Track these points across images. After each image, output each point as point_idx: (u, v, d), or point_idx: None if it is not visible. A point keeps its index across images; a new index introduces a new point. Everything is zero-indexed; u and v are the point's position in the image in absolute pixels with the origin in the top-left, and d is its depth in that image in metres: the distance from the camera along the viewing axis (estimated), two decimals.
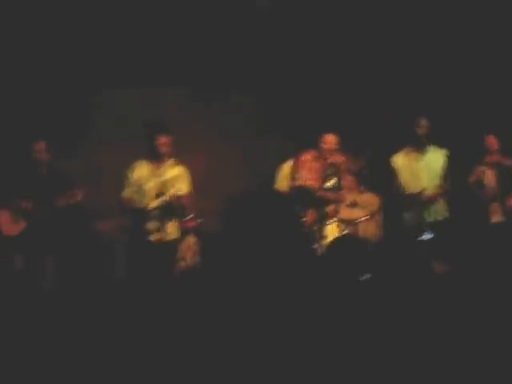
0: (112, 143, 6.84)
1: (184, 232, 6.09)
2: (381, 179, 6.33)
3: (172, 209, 5.86)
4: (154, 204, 5.86)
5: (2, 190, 5.83)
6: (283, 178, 6.27)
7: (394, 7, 6.99)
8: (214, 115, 7.17)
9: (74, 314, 5.44)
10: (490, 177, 6.41)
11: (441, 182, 6.35)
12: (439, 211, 6.33)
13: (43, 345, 4.80)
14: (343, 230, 5.98)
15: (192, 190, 6.09)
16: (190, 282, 5.91)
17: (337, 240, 5.98)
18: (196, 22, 6.94)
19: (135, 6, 6.71)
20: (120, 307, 5.56)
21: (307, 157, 6.26)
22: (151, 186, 5.89)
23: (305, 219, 6.05)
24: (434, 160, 6.39)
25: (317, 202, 6.07)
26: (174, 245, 5.97)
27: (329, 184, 6.16)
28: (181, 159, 6.11)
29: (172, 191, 5.84)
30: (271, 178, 6.38)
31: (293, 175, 6.22)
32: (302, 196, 6.09)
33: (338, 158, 6.28)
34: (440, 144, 6.40)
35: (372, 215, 6.11)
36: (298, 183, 6.16)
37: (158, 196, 5.78)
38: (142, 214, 5.88)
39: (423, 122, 6.33)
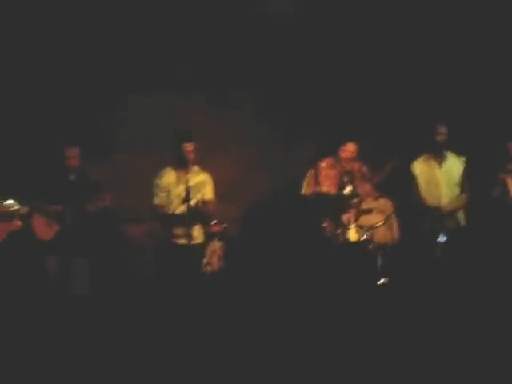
0: (139, 150, 6.98)
1: (209, 236, 6.26)
2: (397, 185, 6.39)
3: (198, 214, 6.04)
4: (180, 209, 6.08)
5: (36, 195, 5.97)
6: (306, 185, 6.44)
7: (412, 13, 7.08)
8: (237, 122, 7.26)
9: (104, 315, 5.59)
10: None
11: (459, 189, 6.42)
12: (457, 220, 6.41)
13: (74, 345, 4.95)
14: (363, 236, 6.06)
15: (216, 196, 6.30)
16: (214, 286, 6.05)
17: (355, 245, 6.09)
18: (218, 32, 7.09)
19: (161, 16, 6.90)
20: (147, 309, 5.73)
21: (324, 164, 6.39)
22: (178, 192, 6.10)
23: (325, 224, 6.17)
24: (454, 167, 6.44)
25: (335, 208, 6.19)
26: (199, 249, 6.13)
27: (345, 191, 6.26)
28: (205, 166, 6.31)
29: (198, 197, 6.06)
30: (294, 184, 6.50)
31: (311, 182, 6.35)
32: (321, 202, 6.23)
33: (355, 166, 6.39)
34: (458, 151, 6.45)
35: (387, 219, 6.17)
36: (315, 190, 6.30)
37: (184, 202, 5.96)
38: (169, 219, 6.10)
39: (442, 129, 6.36)
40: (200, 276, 6.04)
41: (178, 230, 6.06)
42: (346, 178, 6.34)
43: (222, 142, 7.03)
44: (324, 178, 6.34)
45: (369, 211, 6.13)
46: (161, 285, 6.01)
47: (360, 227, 6.08)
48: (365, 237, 6.05)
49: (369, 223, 6.14)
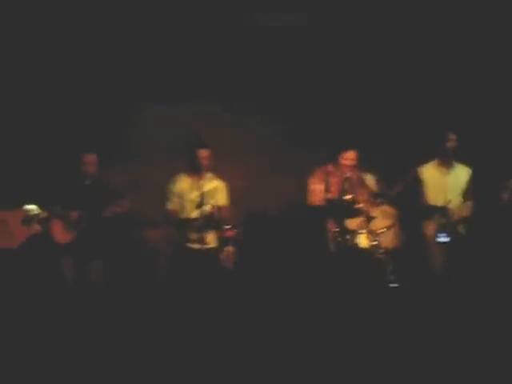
0: (155, 156, 7.10)
1: (223, 241, 6.36)
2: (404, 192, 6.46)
3: (211, 219, 6.16)
4: (194, 215, 6.21)
5: (54, 200, 6.09)
6: (311, 193, 6.49)
7: (418, 23, 7.15)
8: (249, 130, 7.37)
9: (119, 318, 5.69)
10: None
11: (463, 198, 6.47)
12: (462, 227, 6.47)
13: (90, 346, 5.05)
14: (373, 241, 6.11)
15: (230, 202, 6.45)
16: (226, 289, 6.16)
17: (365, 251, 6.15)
18: (231, 43, 7.22)
19: (175, 28, 7.04)
20: (161, 312, 5.83)
21: (324, 171, 6.45)
22: (192, 197, 6.24)
23: (336, 230, 6.24)
24: (461, 176, 6.51)
25: (343, 213, 6.26)
26: (213, 253, 6.24)
27: (346, 198, 6.29)
28: (219, 173, 6.45)
29: (211, 203, 6.19)
30: (302, 191, 6.57)
31: (313, 186, 6.43)
32: (329, 208, 6.33)
33: (354, 173, 6.46)
34: (468, 157, 6.50)
35: (390, 226, 6.22)
36: (323, 196, 6.40)
37: (198, 207, 6.10)
38: (184, 224, 6.24)
39: (452, 136, 6.41)
40: (213, 280, 6.14)
41: (192, 235, 6.19)
42: (346, 186, 6.43)
43: (234, 149, 7.13)
44: (325, 186, 6.39)
45: (374, 218, 6.18)
46: (175, 288, 6.11)
47: (370, 233, 6.13)
48: (375, 242, 6.10)
49: (377, 227, 6.18)
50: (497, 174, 6.53)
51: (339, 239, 6.15)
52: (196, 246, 6.17)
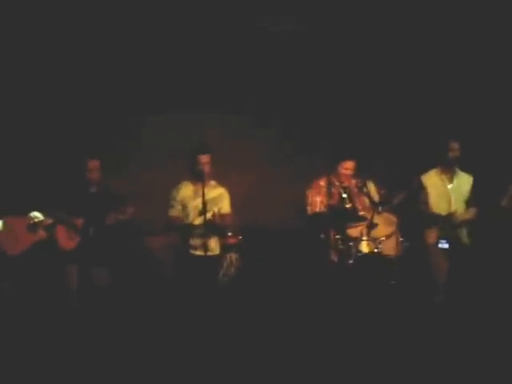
0: (159, 163, 7.14)
1: (226, 248, 6.40)
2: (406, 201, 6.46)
3: (214, 226, 6.21)
4: (197, 221, 6.27)
5: (59, 207, 6.14)
6: (310, 203, 6.51)
7: (420, 29, 7.15)
8: (250, 139, 7.41)
9: (123, 323, 5.74)
10: None
11: (466, 207, 6.51)
12: (463, 235, 6.50)
13: (94, 352, 5.08)
14: (375, 248, 6.12)
15: (233, 210, 6.50)
16: (229, 296, 6.20)
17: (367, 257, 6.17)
18: (232, 51, 7.24)
19: (175, 37, 7.06)
20: (165, 318, 5.88)
21: (322, 182, 6.48)
22: (195, 204, 6.29)
23: (338, 237, 6.28)
24: (463, 184, 6.54)
25: (345, 221, 6.29)
26: (216, 260, 6.28)
27: (346, 207, 6.39)
28: (222, 181, 6.51)
29: (214, 210, 6.24)
30: (302, 200, 6.60)
31: (311, 198, 6.46)
32: (332, 216, 6.35)
33: (352, 182, 6.51)
34: (466, 169, 6.54)
35: (392, 233, 6.22)
36: (329, 203, 6.42)
37: (201, 214, 6.14)
38: (187, 231, 6.29)
39: (455, 145, 6.44)
40: (216, 286, 6.18)
41: (195, 241, 6.25)
42: (344, 195, 6.48)
43: (235, 158, 7.18)
44: (323, 196, 6.44)
45: (375, 225, 6.20)
46: (178, 294, 6.16)
47: (372, 240, 6.16)
48: (376, 250, 6.12)
49: (379, 235, 6.19)
50: (497, 179, 6.58)
51: (341, 247, 6.18)
52: (199, 252, 6.22)
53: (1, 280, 6.08)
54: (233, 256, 6.40)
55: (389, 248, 6.19)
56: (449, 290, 6.15)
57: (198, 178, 6.23)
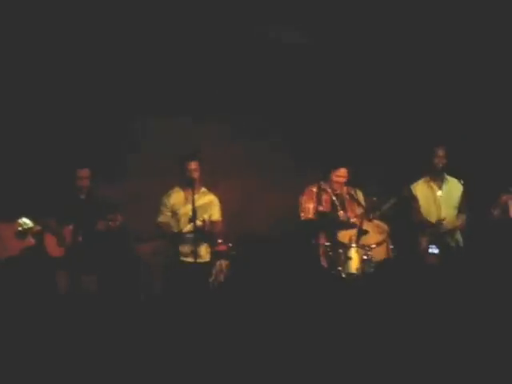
0: (149, 170, 7.09)
1: (216, 255, 6.41)
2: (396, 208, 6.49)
3: (204, 233, 6.21)
4: (187, 228, 6.25)
5: (48, 214, 6.13)
6: (303, 210, 6.53)
7: (414, 46, 7.29)
8: (244, 147, 7.42)
9: (113, 330, 5.66)
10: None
11: (458, 212, 6.57)
12: (457, 240, 6.57)
13: (82, 359, 5.01)
14: (364, 255, 6.13)
15: (224, 217, 6.51)
16: (219, 303, 6.18)
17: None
18: (233, 60, 7.28)
19: (174, 41, 7.09)
20: (154, 325, 5.87)
21: (315, 189, 6.50)
22: (185, 211, 6.28)
23: (328, 244, 6.30)
24: (453, 190, 6.59)
25: (337, 227, 6.33)
26: (206, 267, 6.29)
27: (338, 214, 6.42)
28: (213, 188, 6.51)
29: (204, 217, 6.24)
30: (295, 207, 6.61)
31: (305, 205, 6.47)
32: (322, 222, 6.38)
33: (344, 189, 6.53)
34: (457, 174, 6.59)
35: (382, 241, 6.24)
36: (315, 212, 6.44)
37: (191, 221, 6.10)
38: (177, 238, 6.29)
39: (440, 152, 6.52)
40: (206, 293, 6.18)
41: (185, 248, 6.24)
42: (337, 202, 6.51)
43: (228, 165, 7.20)
44: (317, 202, 6.44)
45: (366, 232, 6.23)
46: (168, 301, 6.16)
47: (361, 247, 6.18)
48: (365, 257, 6.15)
49: (369, 243, 6.20)
50: (488, 189, 6.62)
51: (330, 253, 6.20)
52: (189, 259, 6.21)
53: None
54: (223, 263, 6.41)
55: (378, 256, 6.19)
56: (442, 295, 6.17)
57: (188, 185, 6.23)
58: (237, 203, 7.08)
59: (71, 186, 6.31)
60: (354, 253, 6.16)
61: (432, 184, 6.63)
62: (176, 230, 6.32)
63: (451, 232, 6.53)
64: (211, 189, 6.57)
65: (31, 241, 6.12)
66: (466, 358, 4.86)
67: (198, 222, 6.12)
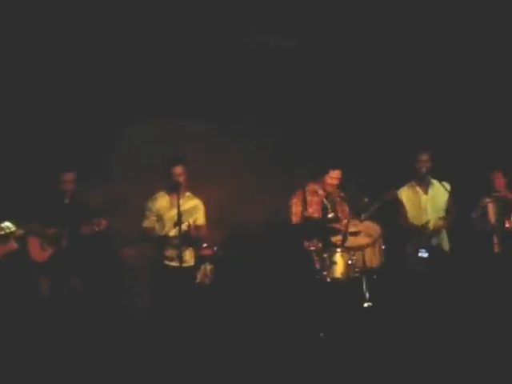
0: (134, 175, 7.06)
1: (200, 260, 6.39)
2: (383, 210, 6.53)
3: (189, 238, 6.18)
4: (172, 233, 6.23)
5: (31, 218, 6.06)
6: (293, 213, 6.55)
7: (400, 52, 7.36)
8: (232, 149, 7.40)
9: (97, 335, 5.71)
10: (492, 210, 6.65)
11: (444, 215, 6.60)
12: (443, 241, 6.61)
13: (66, 365, 5.05)
14: (349, 260, 6.15)
15: (209, 221, 6.48)
16: (204, 306, 6.17)
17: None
18: (217, 61, 7.26)
19: (159, 46, 7.07)
20: (139, 329, 5.87)
21: (307, 190, 6.53)
22: (171, 215, 6.24)
23: (313, 248, 6.31)
24: (438, 194, 6.63)
25: (323, 231, 6.33)
26: (191, 271, 6.28)
27: (330, 216, 6.42)
28: (200, 192, 6.48)
29: (189, 221, 6.21)
30: (283, 209, 6.61)
31: (297, 210, 6.47)
32: (308, 227, 6.37)
33: (335, 191, 6.57)
34: (442, 177, 6.62)
35: (374, 242, 6.27)
36: (304, 214, 6.46)
37: (176, 225, 6.09)
38: (162, 242, 6.27)
39: (424, 157, 6.57)
40: (191, 297, 6.16)
41: (170, 253, 6.22)
42: (328, 204, 6.53)
43: (216, 167, 7.20)
44: (307, 205, 6.48)
45: (356, 233, 6.25)
46: (153, 305, 6.14)
47: (346, 251, 6.19)
48: (350, 262, 6.15)
49: (356, 243, 6.23)
50: (469, 192, 6.70)
51: (324, 255, 6.21)
52: (174, 263, 6.19)
53: None
54: (207, 267, 6.40)
55: (370, 259, 6.24)
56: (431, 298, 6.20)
57: (174, 189, 6.21)
58: (222, 206, 7.06)
59: (55, 190, 6.27)
60: (339, 257, 6.19)
61: (418, 188, 6.69)
62: (161, 235, 6.29)
63: (437, 234, 6.58)
64: (196, 193, 6.54)
65: (14, 245, 6.04)
66: (456, 360, 4.91)
67: (184, 227, 6.10)
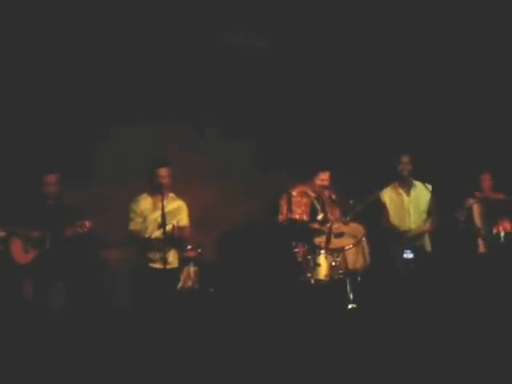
0: (117, 177, 6.97)
1: (184, 261, 6.37)
2: (367, 212, 6.55)
3: (173, 239, 6.19)
4: (156, 234, 6.23)
5: (14, 220, 6.04)
6: (280, 212, 6.59)
7: (374, 45, 7.37)
8: (217, 151, 7.39)
9: (81, 338, 5.63)
10: (477, 211, 6.69)
11: (427, 216, 6.66)
12: (425, 242, 6.66)
13: (50, 368, 4.98)
14: (333, 261, 6.16)
15: (192, 223, 6.48)
16: (189, 308, 6.17)
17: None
18: (195, 64, 7.26)
19: (142, 47, 7.07)
20: (122, 332, 5.83)
21: (295, 192, 6.56)
22: (154, 217, 6.26)
23: (297, 250, 6.33)
24: (421, 195, 6.67)
25: (307, 234, 6.35)
26: (174, 273, 6.25)
27: (318, 218, 6.44)
28: (182, 193, 6.48)
29: (173, 223, 6.21)
30: (270, 210, 6.67)
31: (284, 210, 6.51)
32: (293, 228, 6.39)
33: (325, 193, 6.60)
34: (425, 179, 6.64)
35: (358, 243, 6.29)
36: (288, 217, 6.47)
37: (159, 227, 6.08)
38: (145, 244, 6.26)
39: (405, 159, 6.62)
40: (174, 300, 6.15)
41: (154, 255, 6.21)
42: (317, 205, 6.55)
43: (202, 170, 7.17)
44: (296, 206, 6.53)
45: (340, 235, 6.28)
46: (136, 308, 6.12)
47: (330, 253, 6.20)
48: (334, 263, 6.16)
49: (340, 245, 6.25)
50: (453, 193, 6.72)
51: (308, 257, 6.23)
52: (158, 265, 6.18)
53: None
54: (191, 269, 6.38)
55: (351, 261, 6.26)
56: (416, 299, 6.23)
57: (157, 191, 6.21)
58: (206, 208, 7.05)
59: (39, 192, 6.24)
60: (322, 259, 6.19)
61: (400, 190, 6.73)
62: (145, 237, 6.28)
63: (420, 236, 6.61)
64: (180, 194, 6.54)
65: None
66: (440, 361, 4.92)
67: (168, 228, 6.10)
